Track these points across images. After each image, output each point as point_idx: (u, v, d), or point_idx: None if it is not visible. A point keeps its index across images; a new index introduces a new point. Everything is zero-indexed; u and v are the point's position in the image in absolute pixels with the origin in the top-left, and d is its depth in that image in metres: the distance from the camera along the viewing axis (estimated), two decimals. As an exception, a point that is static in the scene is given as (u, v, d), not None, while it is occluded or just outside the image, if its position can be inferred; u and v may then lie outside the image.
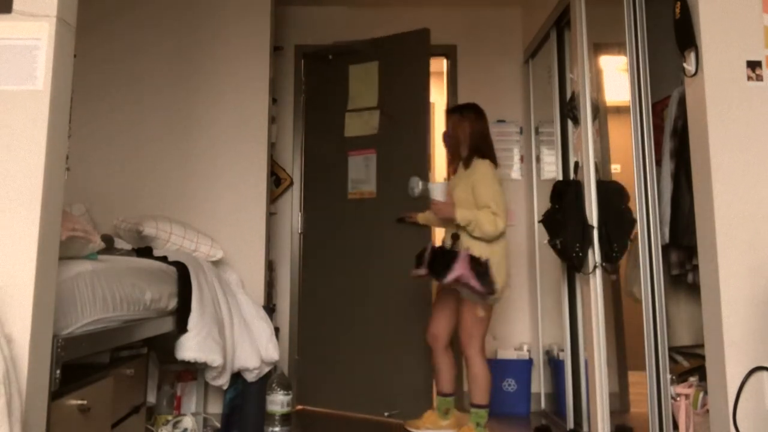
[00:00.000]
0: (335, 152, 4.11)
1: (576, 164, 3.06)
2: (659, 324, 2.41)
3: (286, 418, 3.14)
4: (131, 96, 3.56)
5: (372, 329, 3.97)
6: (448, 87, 4.31)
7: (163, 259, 2.74)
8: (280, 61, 4.28)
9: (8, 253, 1.43)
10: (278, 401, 3.12)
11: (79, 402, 1.72)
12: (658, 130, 2.65)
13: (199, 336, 2.65)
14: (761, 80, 2.05)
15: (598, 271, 2.76)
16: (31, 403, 1.41)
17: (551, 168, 3.69)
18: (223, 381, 2.88)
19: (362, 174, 3.98)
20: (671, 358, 2.56)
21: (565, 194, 2.93)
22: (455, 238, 3.05)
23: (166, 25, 3.62)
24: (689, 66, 2.12)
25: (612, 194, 2.82)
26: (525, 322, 4.07)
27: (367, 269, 4.01)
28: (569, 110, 3.13)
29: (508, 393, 3.79)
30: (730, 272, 1.97)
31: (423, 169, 3.75)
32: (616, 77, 3.50)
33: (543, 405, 3.80)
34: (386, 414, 3.71)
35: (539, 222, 3.13)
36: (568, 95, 3.25)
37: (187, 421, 2.93)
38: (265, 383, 3.14)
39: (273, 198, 4.10)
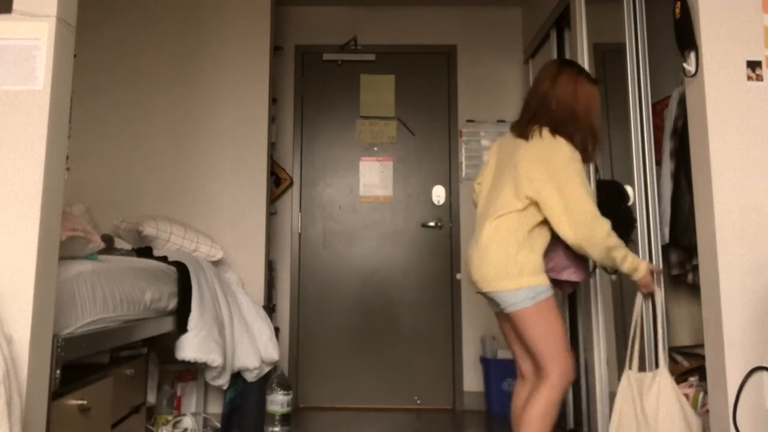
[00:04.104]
0: (342, 155, 4.22)
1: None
2: (659, 324, 2.41)
3: (286, 418, 3.14)
4: (131, 96, 3.56)
5: (380, 324, 4.00)
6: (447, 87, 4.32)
7: (163, 259, 2.74)
8: (280, 61, 4.28)
9: (8, 253, 1.43)
10: (278, 401, 3.12)
11: (79, 402, 1.72)
12: (658, 130, 2.65)
13: (199, 336, 2.65)
14: (761, 80, 2.05)
15: (598, 271, 2.76)
16: (31, 403, 1.41)
17: (551, 168, 3.69)
18: (223, 381, 2.88)
19: (376, 179, 4.19)
20: (671, 358, 2.56)
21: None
22: None
23: (166, 25, 3.62)
24: (689, 66, 2.12)
25: (612, 194, 2.82)
26: (525, 322, 4.07)
27: (377, 267, 4.05)
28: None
29: (508, 393, 3.79)
30: (730, 272, 1.97)
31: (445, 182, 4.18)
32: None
33: (543, 405, 3.80)
34: (418, 401, 3.97)
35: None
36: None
37: (187, 421, 2.93)
38: (265, 383, 3.14)
39: (273, 198, 4.10)
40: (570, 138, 2.15)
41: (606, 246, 2.06)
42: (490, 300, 2.24)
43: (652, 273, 2.19)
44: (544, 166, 2.09)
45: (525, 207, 2.12)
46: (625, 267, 2.11)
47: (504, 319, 2.30)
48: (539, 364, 2.12)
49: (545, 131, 2.15)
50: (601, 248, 2.06)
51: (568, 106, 2.20)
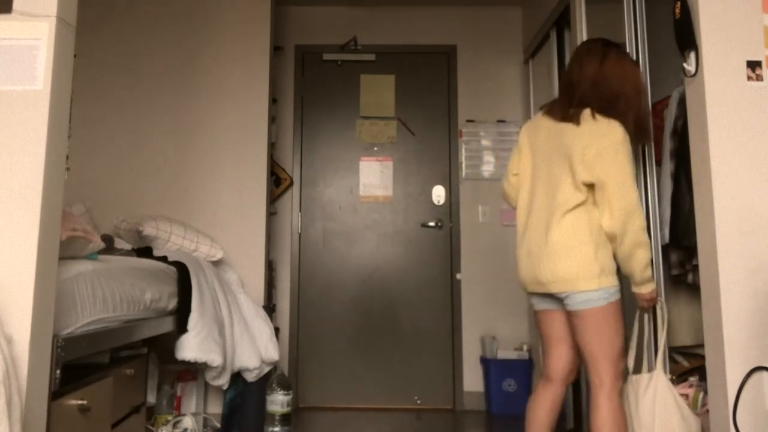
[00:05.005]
0: (342, 155, 4.22)
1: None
2: (660, 323, 2.41)
3: (286, 418, 3.14)
4: (131, 96, 3.57)
5: (380, 324, 4.01)
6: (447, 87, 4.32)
7: (163, 259, 2.74)
8: (280, 61, 4.28)
9: (8, 253, 1.43)
10: (278, 401, 3.12)
11: (79, 402, 1.72)
12: (658, 130, 2.65)
13: (199, 336, 2.65)
14: (761, 80, 2.05)
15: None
16: (31, 403, 1.41)
17: (551, 168, 3.69)
18: (223, 381, 2.88)
19: (376, 179, 4.20)
20: (671, 358, 2.56)
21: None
22: None
23: (167, 25, 3.62)
24: (689, 66, 2.11)
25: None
26: (525, 322, 4.07)
27: (377, 267, 4.05)
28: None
29: (508, 393, 3.79)
30: (730, 272, 1.97)
31: (445, 182, 4.18)
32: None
33: (543, 405, 3.80)
34: (418, 401, 3.98)
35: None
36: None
37: (187, 421, 2.93)
38: (265, 383, 3.14)
39: (273, 198, 4.10)
40: (623, 119, 2.09)
41: (636, 240, 1.99)
42: (543, 298, 2.17)
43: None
44: (595, 147, 2.00)
45: (586, 198, 2.03)
46: (646, 274, 2.05)
47: (553, 317, 2.18)
48: (589, 367, 2.04)
49: (597, 114, 2.07)
50: (631, 241, 1.99)
51: (618, 87, 2.13)
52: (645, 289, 2.10)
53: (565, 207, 2.03)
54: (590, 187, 2.04)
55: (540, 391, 2.21)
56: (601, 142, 2.00)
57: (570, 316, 2.08)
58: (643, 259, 2.02)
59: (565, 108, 2.14)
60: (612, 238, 2.02)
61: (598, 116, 2.07)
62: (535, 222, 2.12)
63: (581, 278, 1.99)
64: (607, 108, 2.10)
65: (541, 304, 2.21)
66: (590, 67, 2.16)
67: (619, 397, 2.00)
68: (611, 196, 1.98)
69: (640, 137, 2.17)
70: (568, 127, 2.10)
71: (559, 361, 2.19)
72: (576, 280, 1.99)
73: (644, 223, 2.00)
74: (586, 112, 2.09)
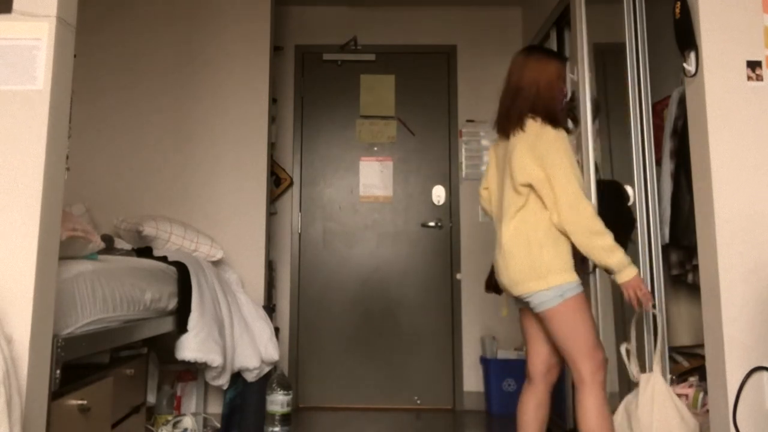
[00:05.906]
0: (342, 155, 4.23)
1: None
2: (659, 324, 2.41)
3: (286, 418, 3.14)
4: (132, 96, 3.57)
5: (380, 324, 4.01)
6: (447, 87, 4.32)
7: (163, 259, 2.74)
8: (280, 61, 4.28)
9: (8, 254, 1.43)
10: (278, 401, 3.12)
11: (79, 402, 1.72)
12: (658, 130, 2.65)
13: (199, 336, 2.65)
14: (761, 80, 2.05)
15: (598, 271, 2.76)
16: (31, 403, 1.41)
17: (551, 168, 3.69)
18: (223, 381, 2.88)
19: (376, 179, 4.20)
20: (671, 358, 2.56)
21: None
22: None
23: (167, 25, 3.62)
24: (689, 66, 2.12)
25: (612, 194, 2.82)
26: (525, 322, 4.07)
27: (377, 267, 4.05)
28: (569, 110, 3.13)
29: (508, 393, 3.79)
30: (730, 272, 1.97)
31: (445, 182, 4.22)
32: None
33: (543, 405, 3.80)
34: (418, 401, 3.98)
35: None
36: (568, 95, 3.25)
37: (187, 421, 2.93)
38: (265, 383, 3.14)
39: (273, 198, 4.10)
40: (554, 117, 2.16)
41: (588, 229, 1.99)
42: (517, 299, 2.22)
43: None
44: (531, 152, 2.09)
45: (527, 200, 2.10)
46: (614, 259, 2.00)
47: (528, 315, 2.26)
48: (568, 364, 2.07)
49: (529, 121, 2.15)
50: (583, 232, 1.99)
51: (535, 85, 2.21)
52: (624, 276, 2.04)
53: (510, 213, 2.13)
54: (530, 188, 2.11)
55: (523, 393, 2.26)
56: (536, 147, 2.09)
57: (539, 319, 2.14)
58: (603, 244, 2.00)
59: (504, 126, 2.24)
60: (566, 235, 2.06)
61: (530, 122, 2.15)
62: (497, 231, 2.25)
63: (530, 279, 2.05)
64: (534, 109, 2.17)
65: (518, 303, 2.28)
66: (514, 77, 2.27)
67: (600, 390, 2.03)
68: (555, 194, 2.04)
69: (565, 122, 2.24)
70: (511, 139, 2.20)
71: (536, 357, 2.25)
72: (525, 282, 2.06)
73: (593, 211, 2.02)
74: (519, 126, 2.17)
